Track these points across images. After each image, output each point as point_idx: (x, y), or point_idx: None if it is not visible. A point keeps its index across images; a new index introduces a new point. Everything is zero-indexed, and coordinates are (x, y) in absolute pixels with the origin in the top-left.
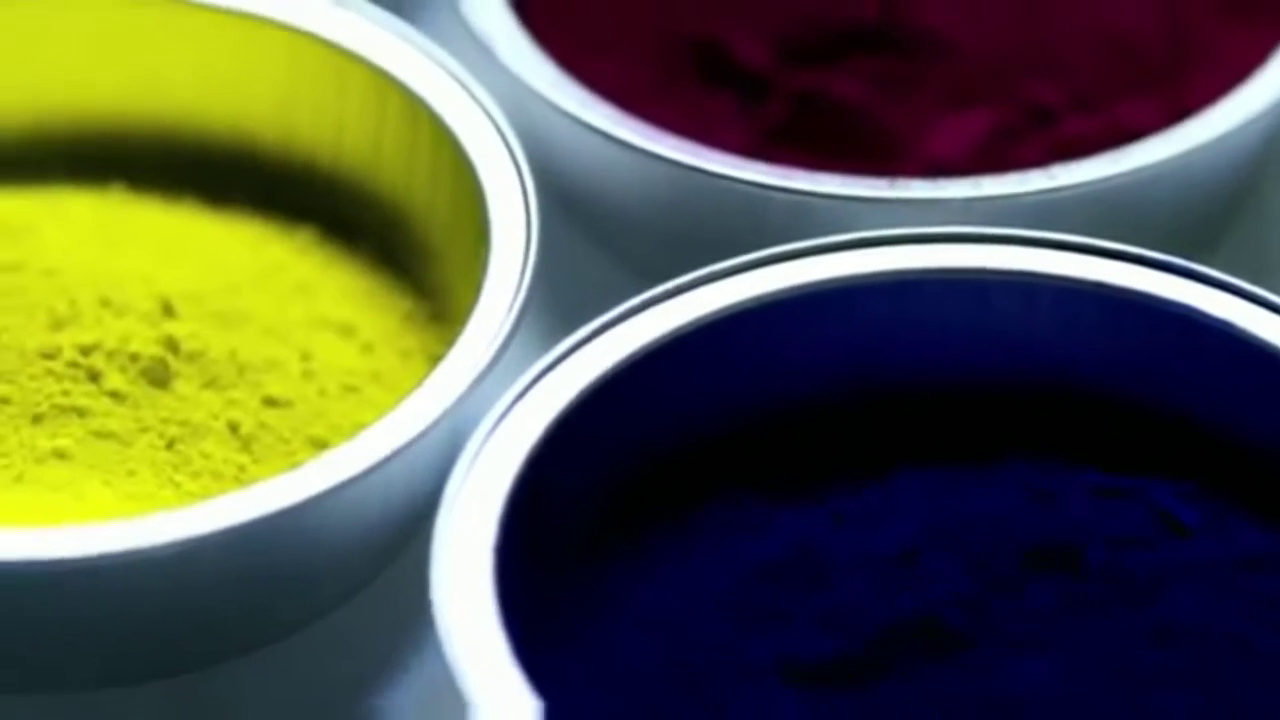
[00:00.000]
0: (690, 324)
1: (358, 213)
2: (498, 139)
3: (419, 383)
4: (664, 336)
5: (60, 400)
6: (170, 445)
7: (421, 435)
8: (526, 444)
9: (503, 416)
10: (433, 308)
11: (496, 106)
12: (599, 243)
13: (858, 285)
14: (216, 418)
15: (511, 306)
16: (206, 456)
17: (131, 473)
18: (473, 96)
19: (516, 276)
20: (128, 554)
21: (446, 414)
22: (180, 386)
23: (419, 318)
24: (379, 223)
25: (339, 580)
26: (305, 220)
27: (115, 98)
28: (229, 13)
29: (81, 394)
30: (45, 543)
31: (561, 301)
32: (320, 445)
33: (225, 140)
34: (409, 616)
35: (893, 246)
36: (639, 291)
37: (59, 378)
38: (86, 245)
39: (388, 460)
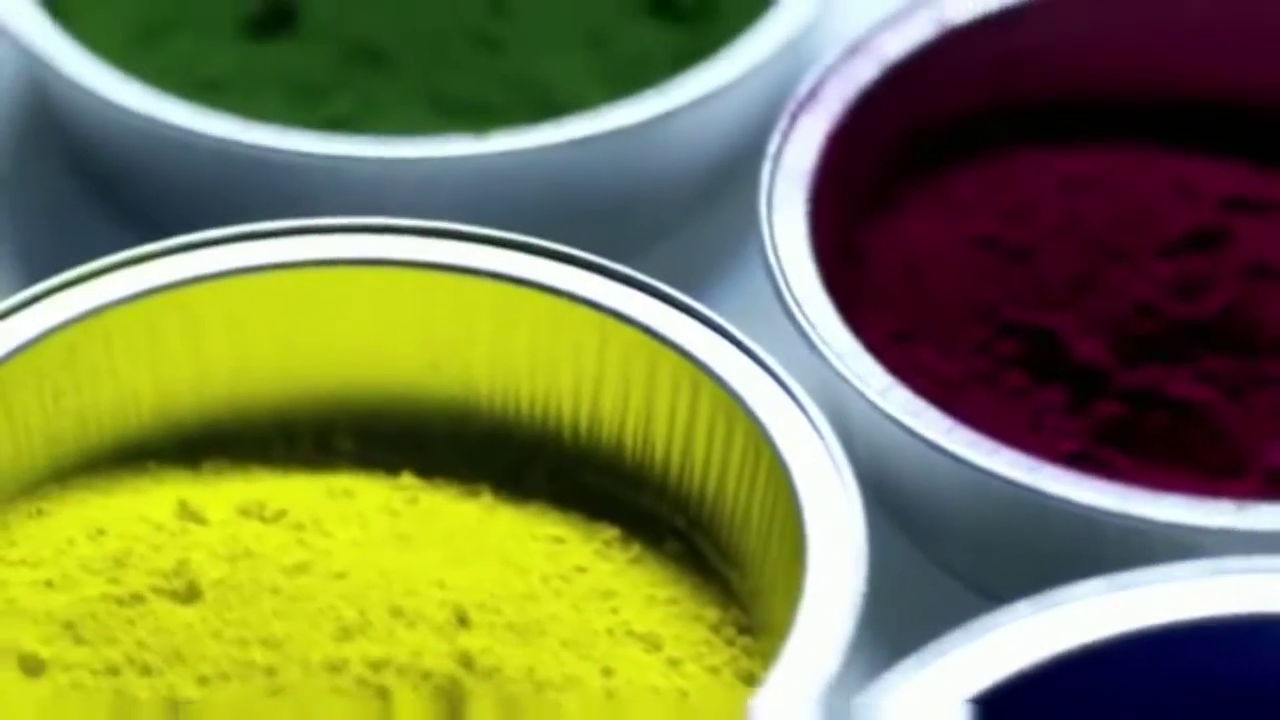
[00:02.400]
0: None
1: (663, 511)
2: (814, 437)
3: (729, 705)
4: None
5: None
6: None
7: None
8: None
9: None
10: (743, 617)
11: (815, 405)
12: (924, 550)
13: (1203, 625)
14: None
15: (839, 626)
16: None
17: None
18: (789, 392)
19: (842, 591)
20: None
21: None
22: (474, 710)
23: (728, 629)
24: (685, 523)
25: None
26: (606, 517)
27: (407, 376)
28: (533, 289)
29: (369, 714)
30: None
31: (883, 613)
32: None
33: (524, 423)
34: None
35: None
36: (969, 607)
37: (344, 695)
38: (377, 544)
39: None
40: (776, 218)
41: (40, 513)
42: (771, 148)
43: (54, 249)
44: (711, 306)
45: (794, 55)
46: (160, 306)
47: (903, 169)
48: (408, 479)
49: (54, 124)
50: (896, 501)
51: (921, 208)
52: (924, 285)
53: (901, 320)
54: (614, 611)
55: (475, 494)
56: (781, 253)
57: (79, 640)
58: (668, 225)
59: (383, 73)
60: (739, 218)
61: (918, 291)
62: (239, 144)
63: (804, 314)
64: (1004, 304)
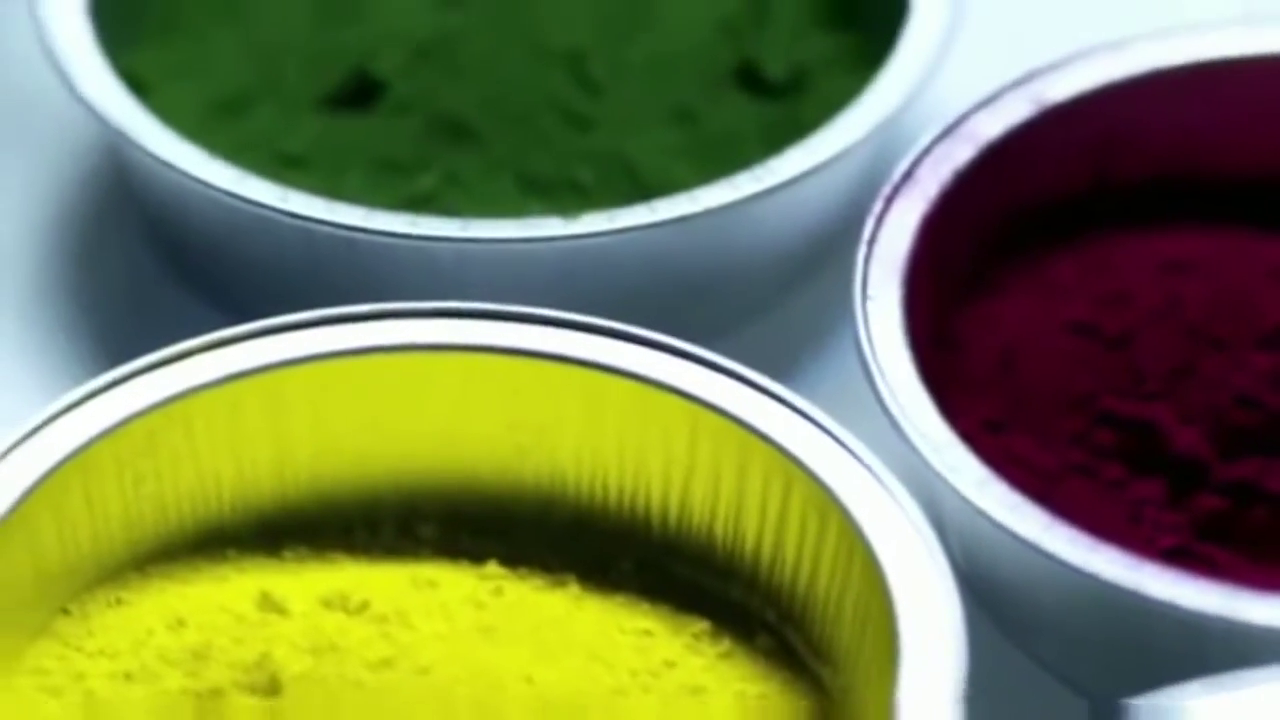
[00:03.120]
0: None
1: (754, 604)
2: (910, 530)
3: None
4: None
5: None
6: None
7: None
8: None
9: None
10: (832, 712)
11: (910, 498)
12: (1018, 643)
13: None
14: None
15: None
16: None
17: None
18: (883, 484)
19: (939, 692)
20: None
21: None
22: None
23: None
24: (776, 616)
25: None
26: (696, 610)
27: (493, 462)
28: (622, 377)
29: None
30: None
31: (977, 708)
32: None
33: (611, 511)
34: None
35: None
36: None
37: None
38: (462, 638)
39: None
40: (871, 305)
41: (119, 602)
42: (866, 233)
43: (133, 325)
44: (801, 390)
45: (887, 134)
46: (242, 391)
47: (998, 252)
48: (493, 568)
49: (133, 198)
50: (990, 594)
51: (1017, 292)
52: (1019, 373)
53: (997, 408)
54: (704, 708)
55: (562, 584)
56: (875, 341)
57: None
58: (757, 306)
59: (469, 149)
60: (830, 298)
61: (1013, 379)
62: (323, 223)
63: (897, 404)
64: (1101, 393)
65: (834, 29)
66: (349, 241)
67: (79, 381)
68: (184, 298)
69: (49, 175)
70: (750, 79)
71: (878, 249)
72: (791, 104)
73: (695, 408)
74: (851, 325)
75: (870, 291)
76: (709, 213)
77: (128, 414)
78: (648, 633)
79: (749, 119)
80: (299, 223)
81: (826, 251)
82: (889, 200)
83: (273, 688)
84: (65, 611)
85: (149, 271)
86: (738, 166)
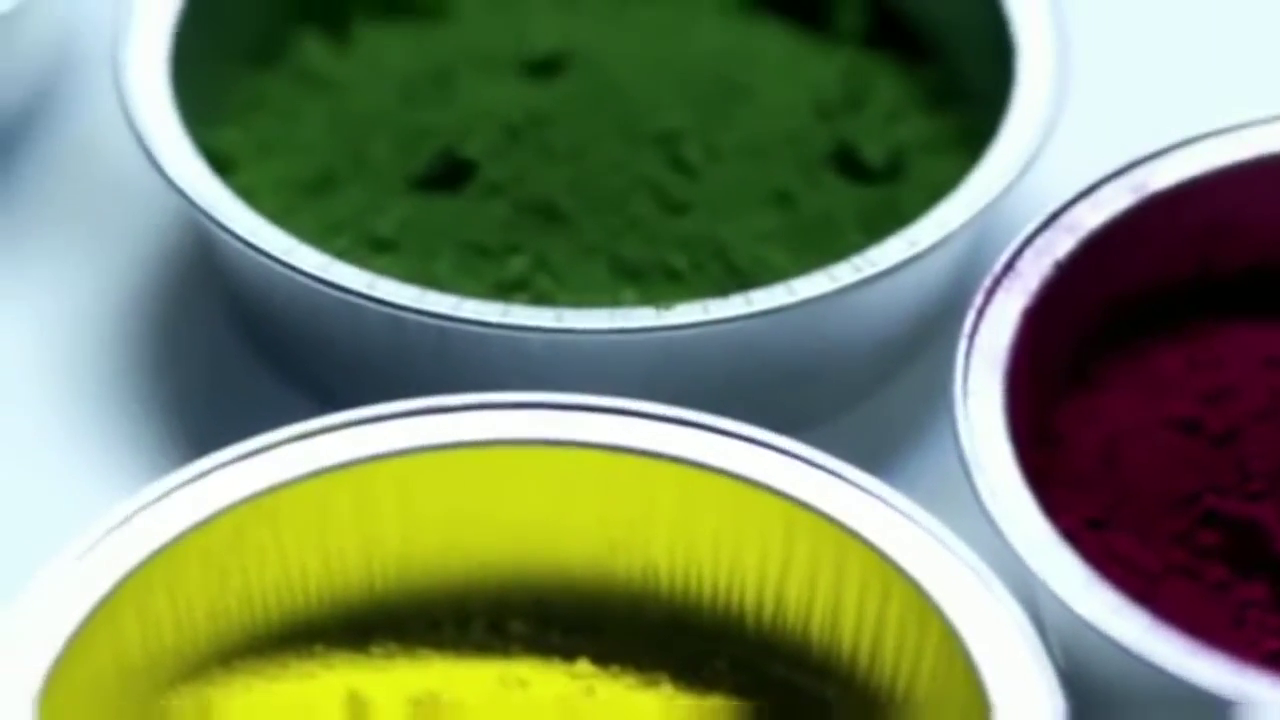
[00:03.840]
0: None
1: (850, 705)
2: (1012, 633)
3: None
4: None
5: None
6: None
7: None
8: None
9: None
10: None
11: (1013, 601)
12: None
13: None
14: None
15: None
16: None
17: None
18: (986, 586)
19: None
20: None
21: None
22: None
23: None
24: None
25: None
26: (790, 711)
27: (584, 558)
28: (717, 474)
29: None
30: None
31: None
32: None
33: (705, 610)
34: None
35: None
36: None
37: None
38: None
39: None
40: (971, 401)
41: (205, 700)
42: (967, 326)
43: (217, 407)
44: (898, 482)
45: (987, 222)
46: (330, 485)
47: (1099, 344)
48: (583, 667)
49: (218, 278)
50: (1091, 695)
51: (1120, 386)
52: (1122, 470)
53: (1098, 506)
54: None
55: (654, 683)
56: (975, 437)
57: None
58: (853, 395)
59: (560, 232)
60: (927, 387)
61: (1116, 476)
62: (412, 311)
63: (998, 502)
64: (1205, 492)
65: (932, 111)
66: (439, 330)
67: (163, 466)
68: (269, 379)
69: (132, 253)
70: (847, 162)
71: (979, 342)
72: (889, 188)
73: (791, 506)
74: (951, 420)
75: (971, 386)
76: (804, 304)
77: (214, 509)
78: None
79: (846, 203)
80: (387, 310)
81: (923, 339)
82: (990, 293)
83: None
84: (149, 708)
85: (234, 352)
86: (834, 252)
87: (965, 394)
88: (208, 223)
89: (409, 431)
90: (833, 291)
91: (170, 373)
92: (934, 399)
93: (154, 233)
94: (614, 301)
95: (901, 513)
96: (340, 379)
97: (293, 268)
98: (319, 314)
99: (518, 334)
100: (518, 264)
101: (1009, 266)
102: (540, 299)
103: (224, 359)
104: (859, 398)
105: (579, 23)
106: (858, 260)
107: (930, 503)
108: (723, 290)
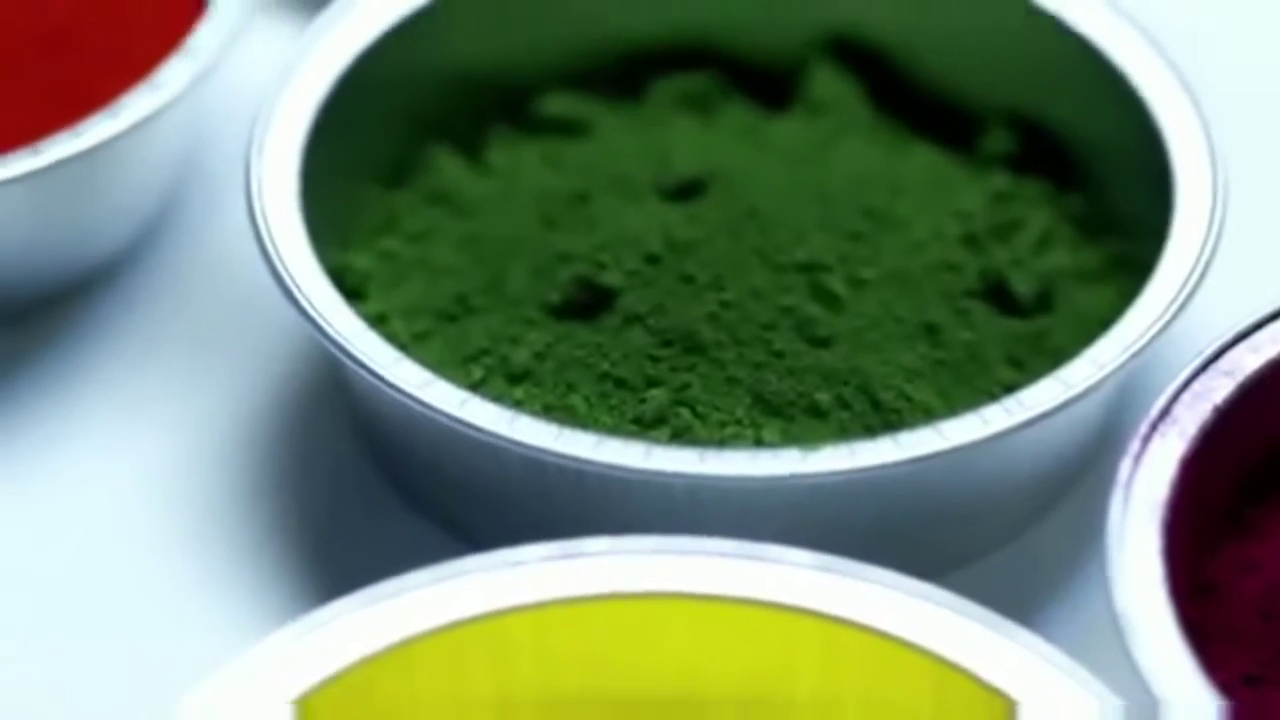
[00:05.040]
0: None
1: None
2: None
3: None
4: None
5: None
6: None
7: None
8: None
9: None
10: None
11: None
12: None
13: None
14: None
15: None
16: None
17: None
18: None
19: None
20: None
21: None
22: None
23: None
24: None
25: None
26: None
27: (724, 709)
28: (861, 630)
29: None
30: None
31: None
32: None
33: None
34: None
35: None
36: None
37: None
38: None
39: None
40: (1126, 551)
41: None
42: (1122, 474)
43: (347, 538)
44: (1044, 626)
45: (1141, 363)
46: (466, 636)
47: (1257, 491)
48: None
49: (348, 405)
50: None
51: (1278, 535)
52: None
53: (1256, 661)
54: None
55: None
56: (1129, 589)
57: None
58: (1000, 537)
59: (701, 365)
60: (1076, 527)
61: (1274, 629)
62: (550, 453)
63: (1151, 658)
64: None
65: (1083, 238)
66: (578, 472)
67: (288, 597)
68: (399, 506)
69: (260, 373)
70: (996, 294)
71: (1134, 491)
72: (1039, 320)
73: (938, 664)
74: (1104, 569)
75: (1126, 536)
76: (954, 449)
77: (347, 661)
78: None
79: (994, 337)
80: (525, 453)
81: (1073, 477)
82: (1146, 439)
83: None
84: None
85: (363, 478)
86: (982, 389)
87: (1120, 544)
88: (339, 354)
89: (546, 578)
90: (984, 439)
91: (297, 498)
92: (1083, 539)
93: (283, 352)
94: (756, 438)
95: (1054, 665)
96: (474, 514)
97: (428, 405)
98: (453, 449)
99: (658, 479)
100: (657, 397)
101: (1165, 412)
102: (680, 434)
103: (353, 485)
104: (1007, 538)
105: (718, 140)
106: (1009, 402)
107: (1080, 649)
108: (867, 427)
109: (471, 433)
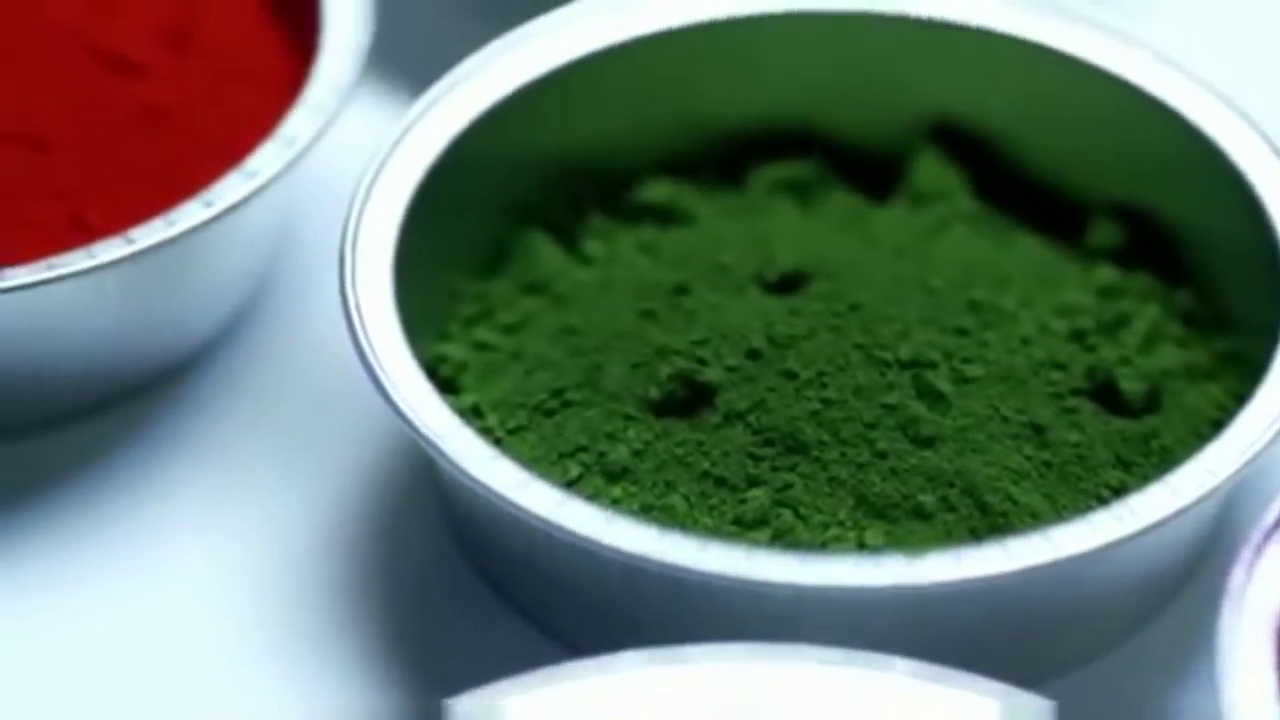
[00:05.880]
0: None
1: None
2: None
3: None
4: None
5: None
6: None
7: None
8: None
9: None
10: None
11: None
12: None
13: None
14: None
15: None
16: None
17: None
18: None
19: None
20: None
21: None
22: None
23: None
24: None
25: None
26: None
27: None
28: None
29: None
30: None
31: None
32: None
33: None
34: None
35: None
36: None
37: None
38: None
39: None
40: (1237, 659)
41: None
42: (1235, 582)
43: (435, 635)
44: None
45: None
46: None
47: None
48: None
49: (442, 503)
50: None
51: None
52: None
53: None
54: None
55: None
56: (1242, 705)
57: None
58: (1107, 642)
59: (803, 465)
60: (1184, 633)
61: None
62: (649, 561)
63: None
64: None
65: (1192, 335)
66: (677, 580)
67: (381, 698)
68: (491, 602)
69: (351, 467)
70: (1103, 393)
71: (1248, 599)
72: (1147, 421)
73: None
74: (1215, 682)
75: (1238, 645)
76: (1064, 559)
77: None
78: None
79: (1102, 438)
80: (624, 559)
81: (1182, 582)
82: (1259, 548)
83: None
84: None
85: (455, 574)
86: (1089, 492)
87: (1232, 654)
88: (432, 450)
89: (641, 687)
90: (1094, 549)
91: (386, 592)
92: (1190, 646)
93: (374, 441)
94: (859, 541)
95: None
96: (570, 615)
97: (522, 509)
98: (549, 551)
99: (761, 589)
100: (759, 498)
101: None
102: (781, 536)
103: (444, 580)
104: (1115, 643)
105: (820, 231)
106: (1119, 509)
107: None
108: (972, 530)
109: (568, 537)
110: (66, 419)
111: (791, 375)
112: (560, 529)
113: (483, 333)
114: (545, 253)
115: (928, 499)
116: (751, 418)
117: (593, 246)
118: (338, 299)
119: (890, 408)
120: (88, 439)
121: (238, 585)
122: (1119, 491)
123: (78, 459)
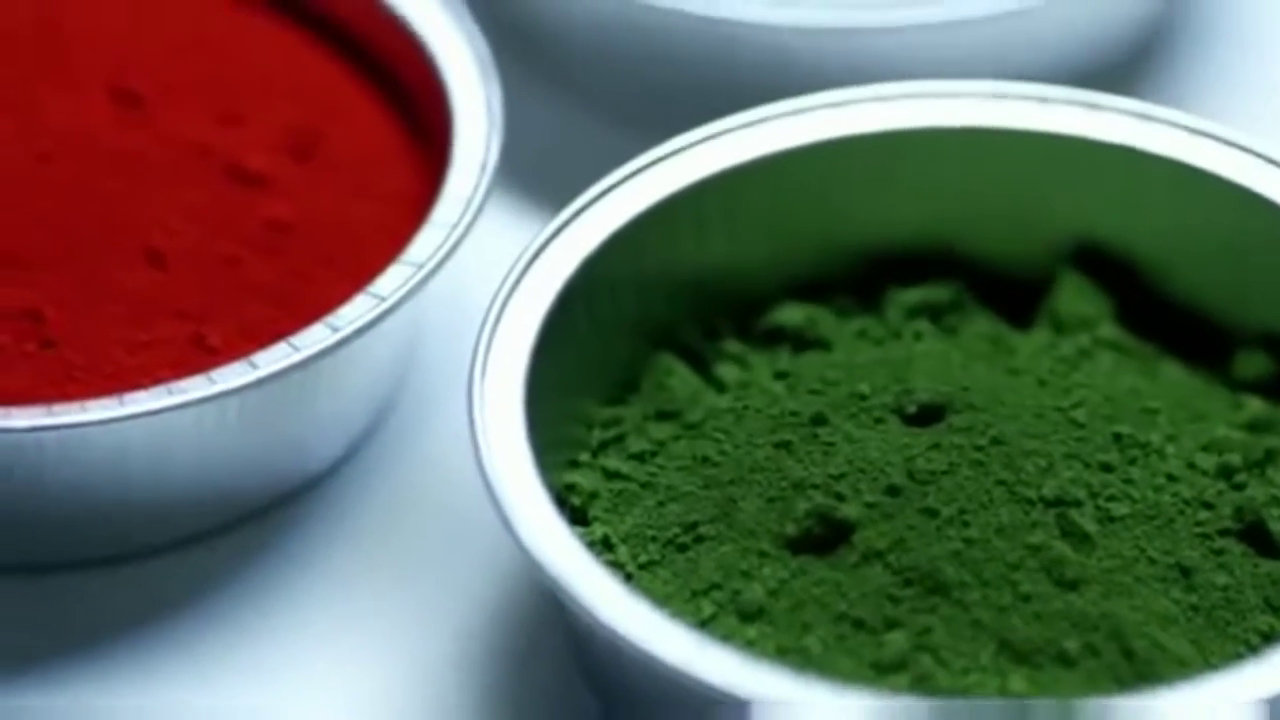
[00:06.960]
0: None
1: None
2: None
3: None
4: None
5: None
6: None
7: None
8: None
9: None
10: None
11: None
12: None
13: None
14: None
15: None
16: None
17: None
18: None
19: None
20: None
21: None
22: None
23: None
24: None
25: None
26: None
27: None
28: None
29: None
30: None
31: None
32: None
33: None
34: None
35: None
36: None
37: None
38: None
39: None
40: None
41: None
42: None
43: None
44: None
45: None
46: None
47: None
48: None
49: (571, 639)
50: None
51: None
52: None
53: None
54: None
55: None
56: None
57: None
58: None
59: (944, 608)
60: None
61: None
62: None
63: None
64: None
65: None
66: None
67: None
68: None
69: (475, 600)
70: (1253, 533)
71: None
72: None
73: None
74: None
75: None
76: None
77: None
78: None
79: (1252, 580)
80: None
81: None
82: None
83: None
84: None
85: (583, 712)
86: (1238, 638)
87: None
88: (559, 590)
89: None
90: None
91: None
92: None
93: (499, 574)
94: (1000, 687)
95: None
96: None
97: (654, 658)
98: (683, 695)
99: None
100: (897, 641)
101: None
102: (921, 682)
103: (571, 714)
104: None
105: (960, 359)
106: (1268, 652)
107: None
108: (1117, 678)
109: (704, 689)
110: (187, 542)
111: (932, 513)
112: (695, 681)
113: (614, 461)
114: (678, 378)
115: (1072, 644)
116: (891, 557)
117: (727, 371)
118: (464, 421)
119: (1034, 548)
120: (209, 562)
121: (361, 714)
122: (1268, 637)
123: (199, 583)
